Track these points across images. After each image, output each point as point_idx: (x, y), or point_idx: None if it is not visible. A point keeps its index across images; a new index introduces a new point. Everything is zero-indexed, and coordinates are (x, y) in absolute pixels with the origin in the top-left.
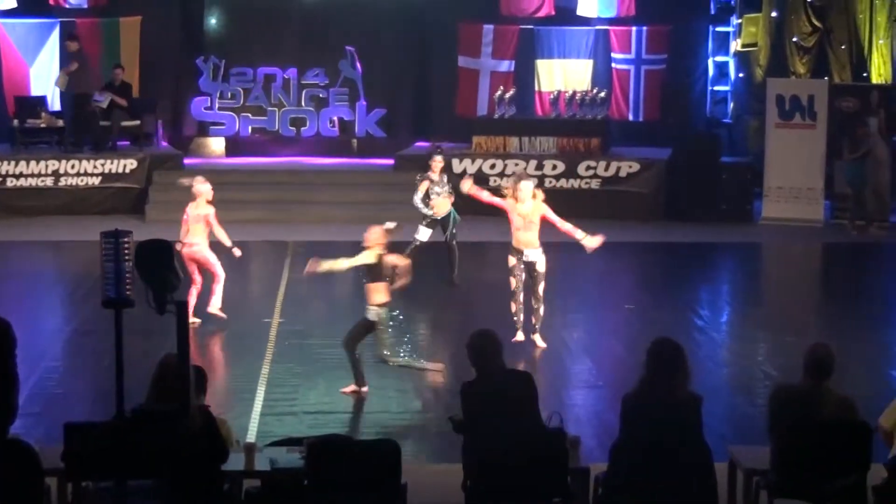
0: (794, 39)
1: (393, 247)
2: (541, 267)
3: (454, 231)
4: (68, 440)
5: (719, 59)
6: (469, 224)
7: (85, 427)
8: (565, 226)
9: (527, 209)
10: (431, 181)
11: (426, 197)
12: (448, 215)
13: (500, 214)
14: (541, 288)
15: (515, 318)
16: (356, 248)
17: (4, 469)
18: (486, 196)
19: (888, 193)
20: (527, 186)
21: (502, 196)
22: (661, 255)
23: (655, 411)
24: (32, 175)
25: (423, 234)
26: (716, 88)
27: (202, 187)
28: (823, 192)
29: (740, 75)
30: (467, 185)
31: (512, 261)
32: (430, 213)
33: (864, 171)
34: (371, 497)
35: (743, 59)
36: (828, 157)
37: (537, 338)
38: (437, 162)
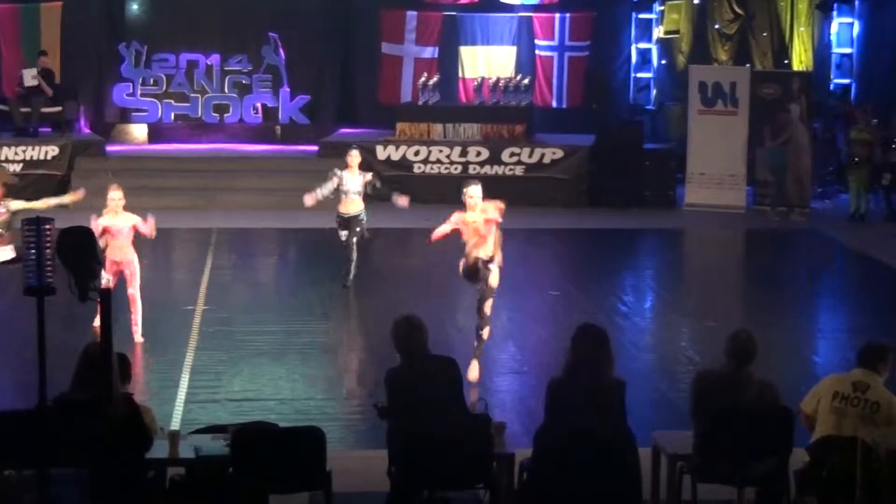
0: (717, 26)
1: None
2: (492, 280)
3: (360, 231)
4: None
5: (642, 45)
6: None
7: (7, 415)
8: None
9: (475, 218)
10: (341, 180)
11: (336, 192)
12: (356, 217)
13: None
14: (488, 305)
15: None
16: (280, 234)
17: None
18: (446, 229)
19: (809, 180)
20: (475, 191)
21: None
22: (584, 241)
23: (580, 396)
24: None
25: (342, 235)
26: (639, 75)
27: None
28: (745, 179)
29: (663, 62)
30: (403, 201)
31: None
32: (325, 193)
33: (786, 158)
34: (296, 483)
35: (665, 45)
36: (750, 143)
37: (473, 365)
38: (354, 157)
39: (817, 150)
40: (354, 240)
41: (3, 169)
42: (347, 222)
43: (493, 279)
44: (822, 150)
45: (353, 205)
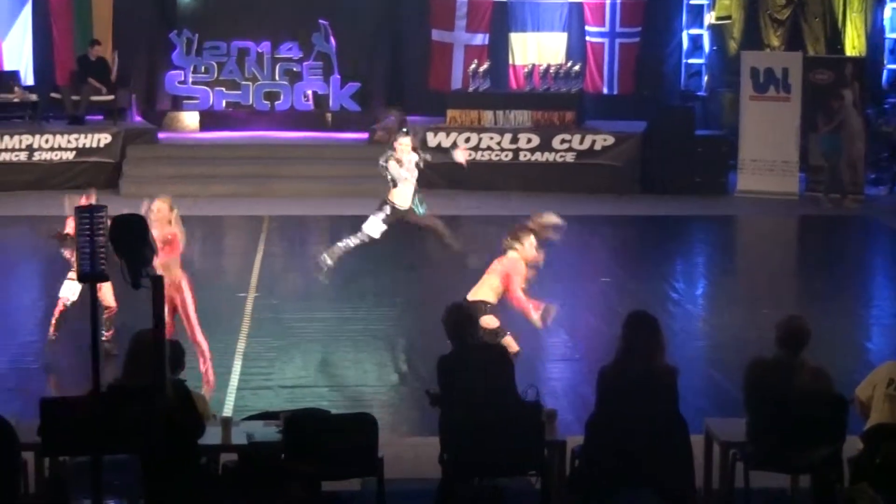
0: (768, 12)
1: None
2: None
3: (422, 213)
4: (45, 415)
5: (693, 31)
6: (444, 197)
7: (61, 402)
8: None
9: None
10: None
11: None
12: (409, 210)
13: (477, 187)
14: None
15: None
16: (331, 221)
17: None
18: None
19: (862, 166)
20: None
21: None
22: (636, 228)
23: (632, 384)
24: (5, 150)
25: (375, 228)
26: (690, 61)
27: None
28: (798, 165)
29: (714, 48)
30: (462, 156)
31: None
32: (391, 175)
33: (839, 144)
34: (348, 470)
35: (717, 31)
36: (802, 129)
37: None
38: (404, 145)
39: (870, 136)
40: (428, 221)
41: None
42: (401, 217)
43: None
44: (875, 136)
45: (404, 195)
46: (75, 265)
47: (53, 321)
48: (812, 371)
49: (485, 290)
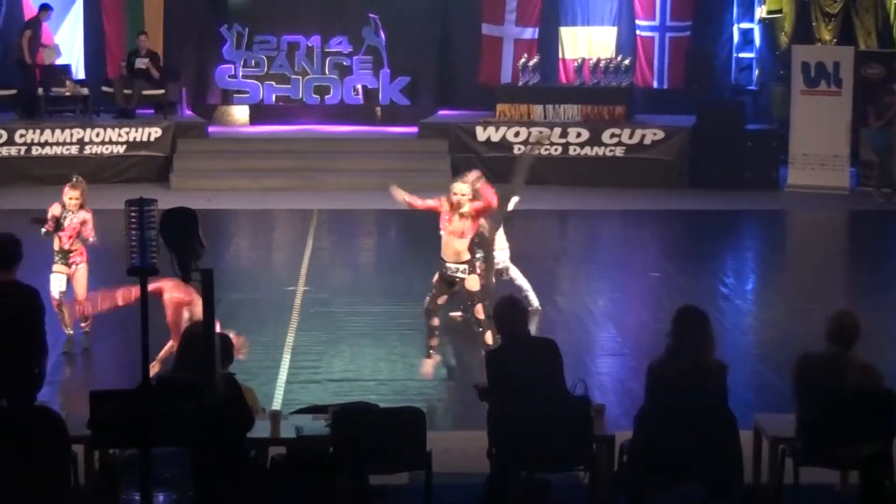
0: (820, 6)
1: None
2: (471, 284)
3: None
4: (95, 408)
5: (744, 25)
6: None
7: (111, 395)
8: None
9: (456, 225)
10: None
11: None
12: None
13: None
14: (479, 310)
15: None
16: (380, 215)
17: (33, 436)
18: (418, 202)
19: None
20: (462, 188)
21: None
22: (685, 222)
23: (681, 379)
24: (57, 143)
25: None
26: (740, 55)
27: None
28: (849, 160)
29: (765, 42)
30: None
31: (435, 276)
32: None
33: (890, 138)
34: (396, 464)
35: (768, 25)
36: (853, 124)
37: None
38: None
39: None
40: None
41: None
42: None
43: (472, 284)
44: None
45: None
46: (59, 256)
47: (62, 318)
48: (862, 366)
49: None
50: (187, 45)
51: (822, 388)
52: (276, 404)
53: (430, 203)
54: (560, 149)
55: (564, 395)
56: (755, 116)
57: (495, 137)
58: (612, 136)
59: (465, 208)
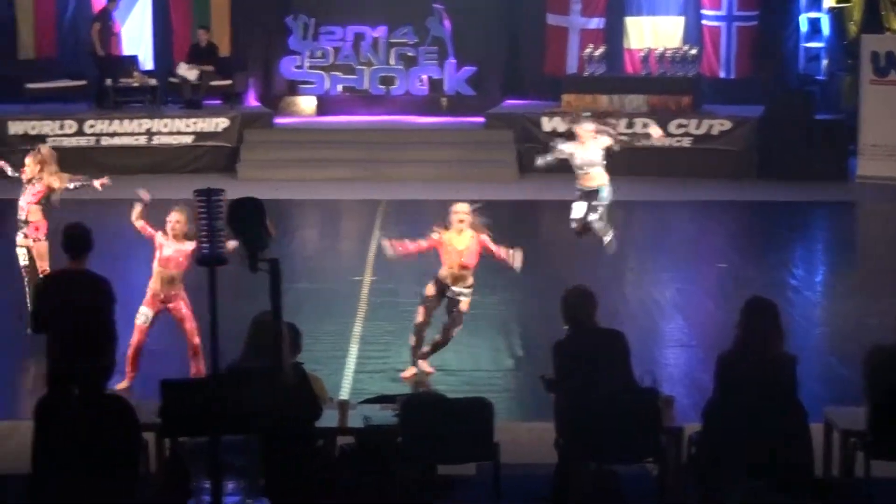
0: None
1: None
2: (464, 306)
3: (597, 208)
4: (165, 396)
5: (812, 14)
6: (557, 181)
7: (181, 384)
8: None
9: (461, 243)
10: (572, 156)
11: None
12: (595, 191)
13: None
14: (455, 330)
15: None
16: (446, 206)
17: (104, 424)
18: (411, 247)
19: None
20: (463, 209)
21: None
22: (753, 213)
23: (750, 371)
24: (125, 134)
25: (577, 209)
26: (809, 45)
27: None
28: None
29: (833, 31)
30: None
31: (430, 289)
32: (548, 159)
33: None
34: (464, 454)
35: (836, 14)
36: None
37: (424, 363)
38: (586, 131)
39: None
40: (593, 215)
41: (38, 148)
42: (588, 195)
43: (465, 305)
44: None
45: (593, 178)
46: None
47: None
48: None
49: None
50: (254, 36)
51: (894, 380)
52: (345, 394)
53: (423, 244)
54: (626, 139)
55: (632, 387)
56: (824, 106)
57: (561, 128)
58: (679, 126)
59: (464, 237)
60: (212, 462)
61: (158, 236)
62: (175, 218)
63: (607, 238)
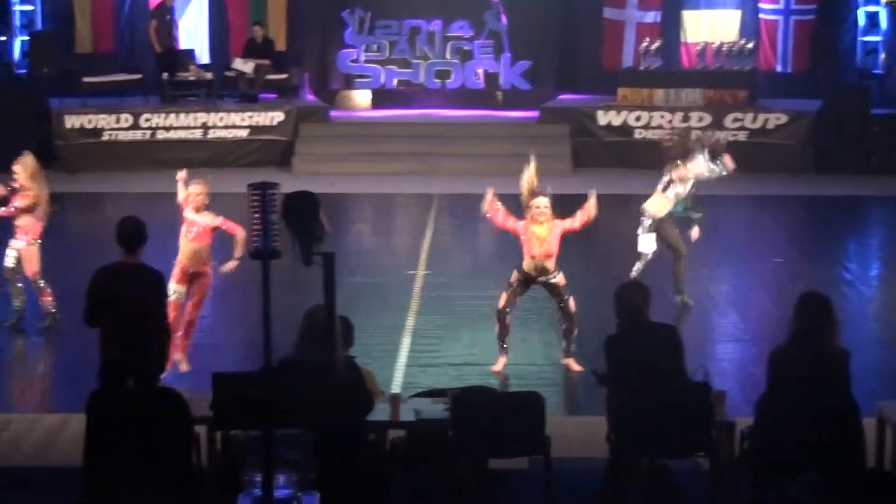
0: None
1: None
2: (560, 279)
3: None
4: (217, 389)
5: (870, 9)
6: (614, 175)
7: (233, 377)
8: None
9: (543, 232)
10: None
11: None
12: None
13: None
14: (571, 304)
15: (500, 343)
16: (501, 200)
17: (157, 416)
18: (500, 218)
19: None
20: (543, 202)
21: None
22: (809, 208)
23: (803, 366)
24: (181, 127)
25: (646, 244)
26: (866, 39)
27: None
28: None
29: (892, 25)
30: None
31: (515, 276)
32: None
33: None
34: (515, 448)
35: (895, 9)
36: None
37: (571, 361)
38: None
39: None
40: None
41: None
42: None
43: (561, 280)
44: None
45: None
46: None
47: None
48: None
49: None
50: (310, 30)
51: None
52: (396, 387)
53: (509, 225)
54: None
55: (685, 381)
56: (882, 101)
57: (616, 122)
58: (735, 120)
59: (545, 227)
60: (264, 455)
61: (187, 210)
62: (196, 190)
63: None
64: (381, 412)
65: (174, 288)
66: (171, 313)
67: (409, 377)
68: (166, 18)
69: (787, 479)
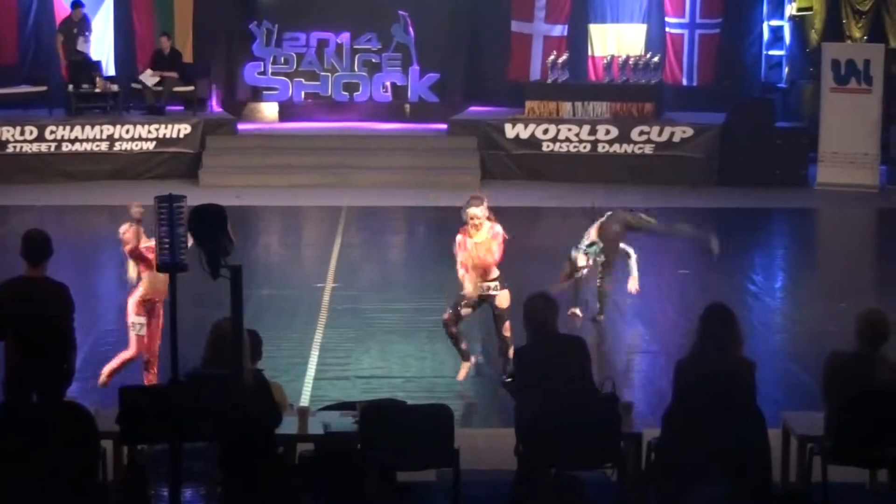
0: (850, 3)
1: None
2: (502, 302)
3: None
4: (123, 403)
5: (774, 23)
6: (522, 188)
7: (140, 390)
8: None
9: (481, 236)
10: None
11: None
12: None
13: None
14: (506, 327)
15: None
16: (409, 212)
17: (61, 431)
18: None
19: None
20: (477, 212)
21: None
22: (714, 220)
23: (709, 377)
24: (87, 140)
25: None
26: (770, 53)
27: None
28: (879, 158)
29: (795, 40)
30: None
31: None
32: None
33: None
34: (424, 460)
35: (798, 23)
36: (884, 121)
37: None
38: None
39: None
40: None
41: None
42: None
43: (503, 301)
44: None
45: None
46: None
47: None
48: (892, 365)
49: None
50: (217, 42)
51: (852, 386)
52: (305, 401)
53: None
54: (589, 146)
55: (592, 393)
56: (785, 114)
57: (524, 134)
58: (642, 133)
59: (483, 236)
60: (171, 469)
61: (142, 244)
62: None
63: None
64: (289, 425)
65: (137, 321)
66: (138, 348)
67: (317, 390)
68: (73, 32)
69: (693, 491)
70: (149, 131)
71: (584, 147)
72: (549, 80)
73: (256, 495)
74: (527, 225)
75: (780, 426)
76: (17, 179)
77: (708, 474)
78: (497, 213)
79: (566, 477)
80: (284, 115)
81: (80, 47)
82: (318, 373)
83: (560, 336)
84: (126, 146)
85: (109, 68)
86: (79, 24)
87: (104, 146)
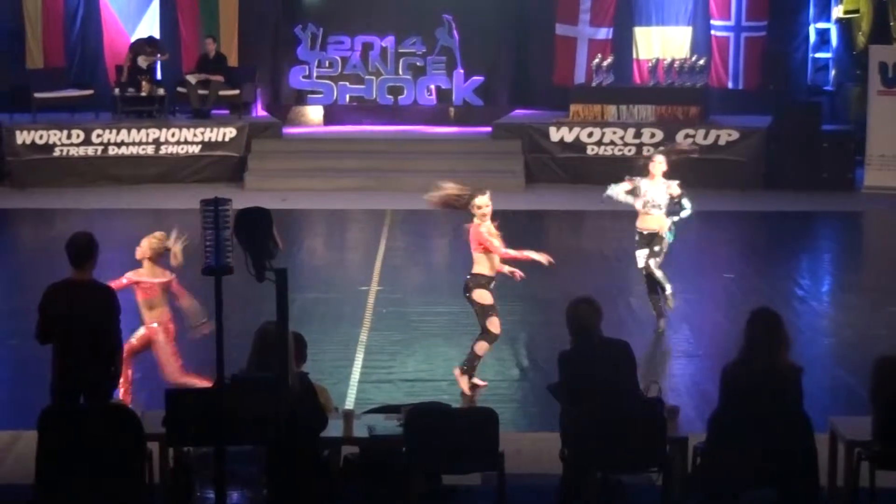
0: None
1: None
2: (476, 295)
3: (658, 254)
4: (169, 406)
5: (820, 25)
6: (567, 191)
7: (186, 393)
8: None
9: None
10: (637, 189)
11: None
12: (655, 235)
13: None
14: (489, 323)
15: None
16: (454, 215)
17: (108, 433)
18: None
19: None
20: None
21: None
22: (760, 223)
23: (755, 382)
24: (133, 143)
25: (640, 257)
26: (817, 55)
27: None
28: None
29: (842, 42)
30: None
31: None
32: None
33: None
34: (468, 464)
35: (845, 25)
36: None
37: (458, 372)
38: (657, 164)
39: None
40: (653, 262)
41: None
42: (648, 240)
43: (476, 296)
44: None
45: (654, 220)
46: None
47: None
48: None
49: (478, 265)
50: (262, 46)
51: None
52: (349, 404)
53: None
54: (633, 149)
55: (637, 397)
56: (831, 117)
57: (569, 138)
58: (687, 136)
59: (487, 224)
60: (216, 472)
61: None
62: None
63: (669, 289)
64: (334, 428)
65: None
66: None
67: (362, 393)
68: (146, 50)
69: (738, 495)
70: (194, 135)
71: (629, 150)
72: (594, 84)
73: (301, 498)
74: (570, 228)
75: (828, 431)
76: (64, 183)
77: (754, 479)
78: (541, 216)
79: (611, 481)
80: (329, 118)
81: (141, 64)
82: (363, 376)
83: (605, 339)
84: (172, 150)
85: (156, 72)
86: (153, 46)
87: (150, 150)
